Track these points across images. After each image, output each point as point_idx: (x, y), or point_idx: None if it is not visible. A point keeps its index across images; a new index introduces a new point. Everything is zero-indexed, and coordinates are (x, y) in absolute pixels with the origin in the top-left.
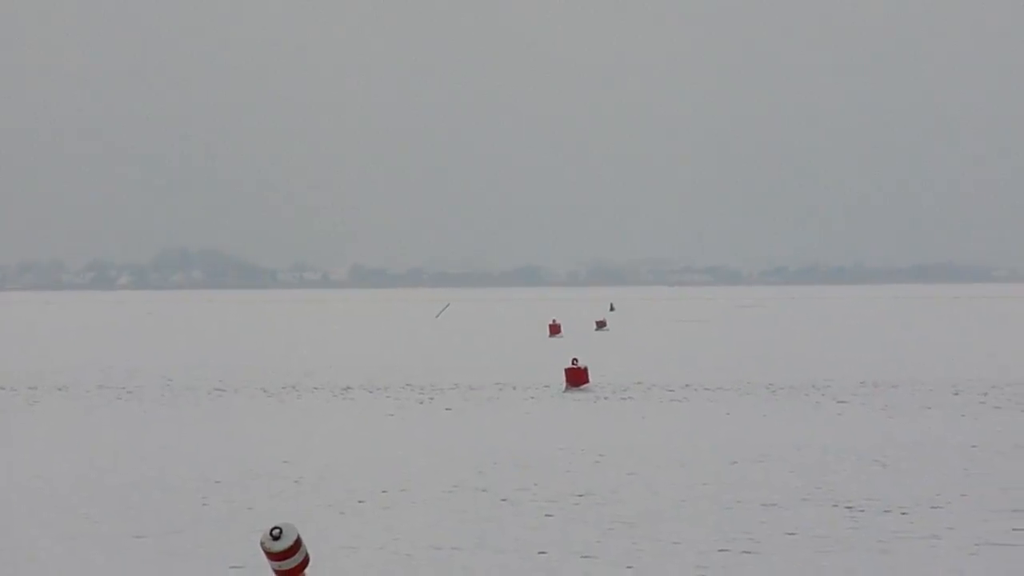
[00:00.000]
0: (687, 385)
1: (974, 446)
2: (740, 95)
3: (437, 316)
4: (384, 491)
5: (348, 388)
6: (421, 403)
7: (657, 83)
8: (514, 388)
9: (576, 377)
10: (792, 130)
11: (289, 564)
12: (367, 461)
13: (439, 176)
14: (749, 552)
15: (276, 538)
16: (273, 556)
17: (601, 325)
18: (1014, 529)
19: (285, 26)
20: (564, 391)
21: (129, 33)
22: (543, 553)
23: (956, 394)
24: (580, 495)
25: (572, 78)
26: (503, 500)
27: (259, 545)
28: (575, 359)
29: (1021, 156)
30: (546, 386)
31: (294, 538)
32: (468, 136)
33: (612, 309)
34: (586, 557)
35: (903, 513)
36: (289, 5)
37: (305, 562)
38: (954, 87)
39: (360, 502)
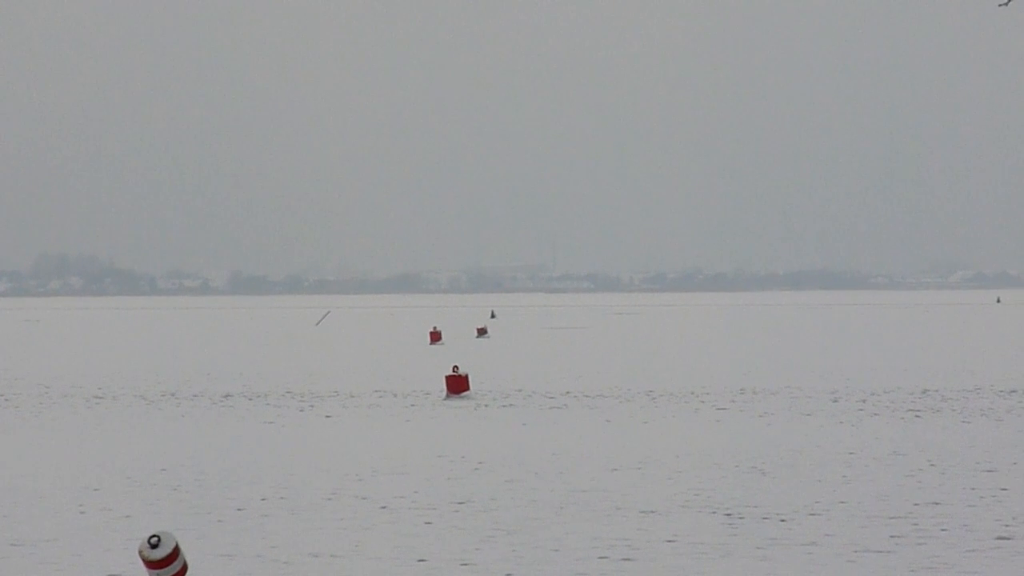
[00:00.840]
0: (567, 392)
1: (852, 453)
2: (620, 100)
3: (317, 324)
4: (263, 499)
5: (227, 396)
6: (301, 411)
7: (529, 85)
8: (394, 395)
9: (456, 384)
10: (672, 136)
11: (167, 572)
12: (246, 468)
13: (317, 183)
14: (628, 559)
15: (154, 546)
16: (151, 564)
17: (482, 332)
18: (891, 536)
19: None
20: (444, 398)
21: None
22: (422, 561)
23: (835, 401)
24: (460, 502)
25: (436, 81)
26: (382, 507)
27: (137, 553)
28: (456, 366)
29: (898, 164)
30: (426, 393)
31: (172, 546)
32: (347, 141)
33: (493, 316)
34: (465, 564)
35: (782, 520)
36: None
37: (183, 570)
38: (827, 95)
39: (239, 510)
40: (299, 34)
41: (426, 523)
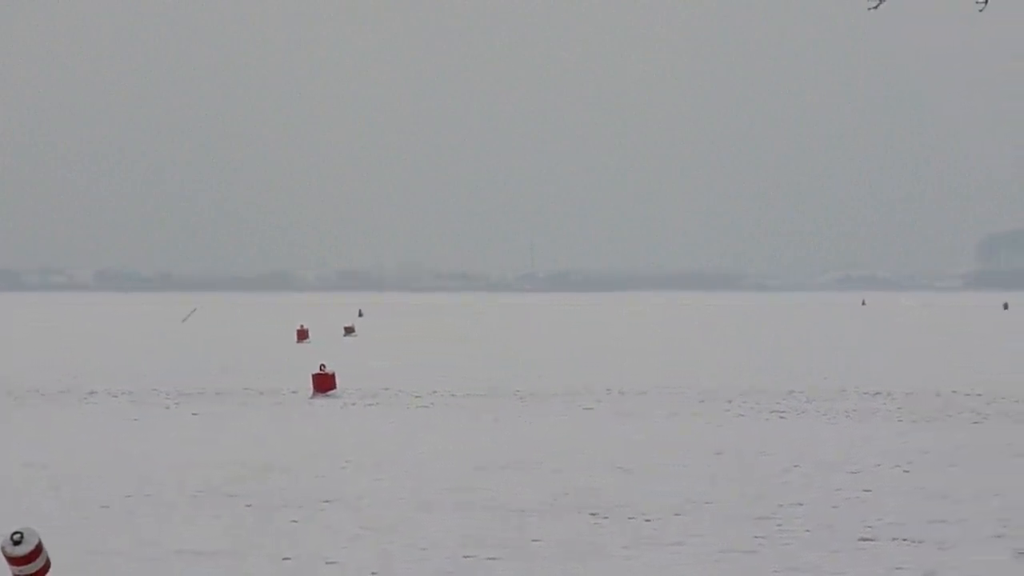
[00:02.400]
0: (435, 391)
1: (718, 453)
2: (493, 104)
3: (184, 320)
4: (128, 496)
5: (92, 392)
6: (167, 408)
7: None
8: (261, 393)
9: (323, 383)
10: (550, 136)
11: (30, 569)
12: (111, 465)
13: (187, 178)
14: (494, 558)
15: (17, 543)
16: (14, 561)
17: (349, 331)
18: (756, 537)
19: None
20: (311, 397)
21: None
22: (287, 559)
23: (702, 401)
24: (326, 501)
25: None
26: (248, 506)
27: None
28: (322, 364)
29: (768, 166)
30: (293, 391)
31: (35, 543)
32: (218, 140)
33: (361, 315)
34: (331, 563)
35: (647, 520)
36: None
37: (47, 567)
38: (701, 96)
39: (104, 507)
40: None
41: (292, 521)
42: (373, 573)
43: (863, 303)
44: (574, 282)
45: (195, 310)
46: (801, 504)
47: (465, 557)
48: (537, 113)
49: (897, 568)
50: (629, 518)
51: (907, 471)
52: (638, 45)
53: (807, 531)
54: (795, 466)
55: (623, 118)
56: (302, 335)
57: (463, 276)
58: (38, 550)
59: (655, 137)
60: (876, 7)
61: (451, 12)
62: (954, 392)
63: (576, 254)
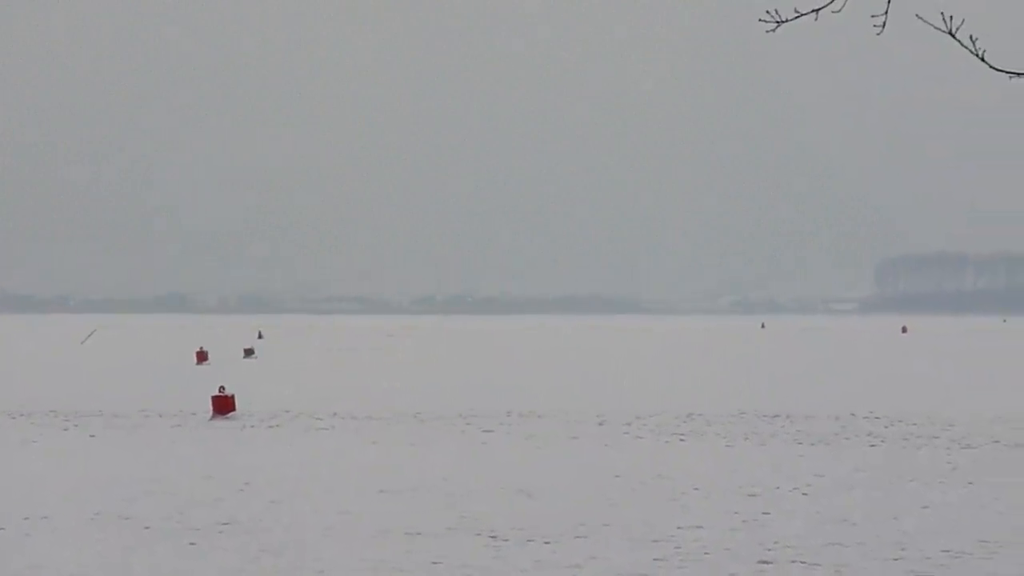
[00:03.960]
0: (334, 413)
1: (617, 476)
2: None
3: (83, 342)
4: (25, 518)
5: None
6: (65, 430)
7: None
8: (160, 415)
9: (222, 405)
10: (433, 161)
11: None
12: (6, 487)
13: (81, 198)
14: None
15: None
16: None
17: (249, 353)
18: (655, 559)
19: None
20: (210, 419)
21: None
22: None
23: (601, 424)
24: (225, 523)
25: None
26: (146, 528)
27: None
28: (222, 387)
29: (665, 188)
30: (192, 413)
31: None
32: (118, 162)
33: (260, 337)
34: None
35: (546, 543)
36: None
37: None
38: (598, 116)
39: (0, 529)
40: None
41: (190, 544)
42: None
43: (762, 326)
44: (473, 305)
45: (94, 332)
46: (700, 527)
47: None
48: (444, 137)
49: None
50: (528, 540)
51: (805, 494)
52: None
53: (706, 553)
54: (694, 488)
55: (530, 142)
56: (201, 357)
57: (362, 299)
58: None
59: (555, 162)
60: (774, 30)
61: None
62: (852, 415)
63: (468, 278)
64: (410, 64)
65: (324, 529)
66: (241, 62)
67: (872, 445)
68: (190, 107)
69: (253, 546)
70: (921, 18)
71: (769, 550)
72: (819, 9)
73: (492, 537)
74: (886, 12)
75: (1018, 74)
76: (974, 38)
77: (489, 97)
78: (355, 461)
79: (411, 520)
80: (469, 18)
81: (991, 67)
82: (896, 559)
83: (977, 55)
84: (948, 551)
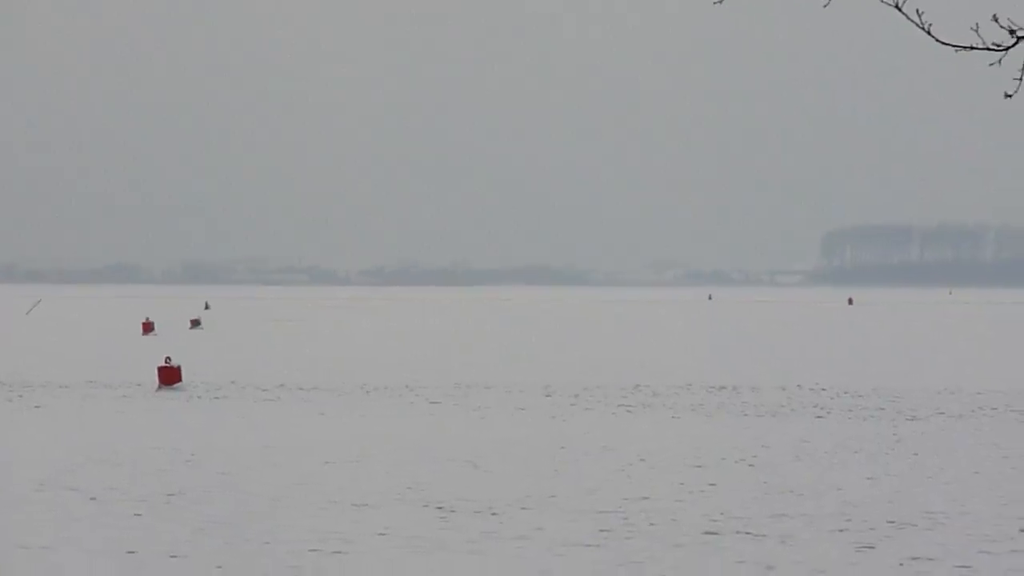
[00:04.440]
0: (281, 385)
1: (563, 447)
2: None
3: (28, 313)
4: None
5: None
6: (10, 400)
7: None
8: (106, 386)
9: (169, 376)
10: (386, 134)
11: None
12: None
13: (26, 168)
14: (340, 552)
15: None
16: None
17: (195, 324)
18: (601, 530)
19: None
20: (157, 390)
21: None
22: (132, 553)
23: (548, 396)
24: (171, 494)
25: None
26: (92, 499)
27: None
28: (168, 357)
29: (613, 160)
30: (138, 384)
31: None
32: (69, 132)
33: (207, 308)
34: (175, 557)
35: (493, 514)
36: None
37: None
38: (551, 96)
39: None
40: None
41: (136, 515)
42: (219, 567)
43: (709, 298)
44: (421, 276)
45: (39, 302)
46: (646, 498)
47: (311, 551)
48: (383, 111)
49: (740, 562)
50: (475, 512)
51: (751, 465)
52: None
53: (651, 525)
54: (640, 460)
55: (478, 116)
56: (147, 328)
57: (310, 270)
58: None
59: (503, 135)
60: (720, 1)
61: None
62: (798, 387)
63: (419, 249)
64: (354, 38)
65: (271, 500)
66: (178, 28)
67: (818, 417)
68: (136, 76)
69: (200, 517)
70: None
71: (715, 521)
72: None
73: (439, 508)
74: None
75: (964, 47)
76: (920, 12)
77: (435, 68)
78: (301, 432)
79: (358, 491)
80: None
81: (937, 40)
82: (841, 530)
83: (923, 28)
84: (893, 522)
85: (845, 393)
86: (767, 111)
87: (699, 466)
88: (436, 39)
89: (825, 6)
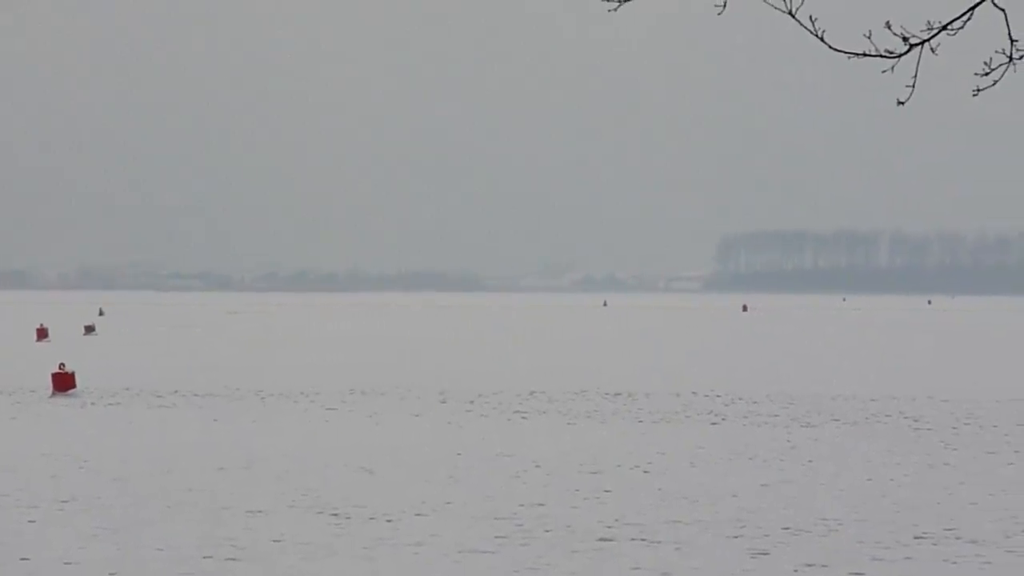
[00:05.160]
0: (175, 391)
1: (459, 453)
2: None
3: None
4: None
5: None
6: None
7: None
8: None
9: (62, 382)
10: (262, 140)
11: None
12: None
13: None
14: (234, 559)
15: None
16: None
17: (90, 330)
18: (496, 537)
19: None
20: (50, 396)
21: None
22: (25, 560)
23: (443, 402)
24: (64, 500)
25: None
26: None
27: None
28: (62, 364)
29: (508, 167)
30: (32, 391)
31: None
32: None
33: (101, 313)
34: (69, 563)
35: (388, 520)
36: None
37: None
38: (437, 96)
39: None
40: None
41: (30, 521)
42: (112, 573)
43: (604, 304)
44: (314, 282)
45: None
46: (541, 504)
47: (205, 557)
48: (287, 113)
49: (635, 568)
50: (370, 518)
51: (646, 471)
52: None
53: (547, 531)
54: (536, 466)
55: (374, 120)
56: (41, 334)
57: (205, 276)
58: None
59: (398, 139)
60: (616, 9)
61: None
62: (693, 393)
63: (313, 254)
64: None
65: (165, 507)
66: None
67: (713, 423)
68: (28, 76)
69: (93, 523)
70: None
71: (610, 527)
72: None
73: (334, 515)
74: None
75: (857, 54)
76: (814, 18)
77: (327, 72)
78: (196, 439)
79: (252, 497)
80: None
81: (830, 47)
82: (736, 536)
83: (816, 35)
84: (787, 528)
85: (740, 399)
86: (662, 116)
87: (595, 472)
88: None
89: (720, 13)
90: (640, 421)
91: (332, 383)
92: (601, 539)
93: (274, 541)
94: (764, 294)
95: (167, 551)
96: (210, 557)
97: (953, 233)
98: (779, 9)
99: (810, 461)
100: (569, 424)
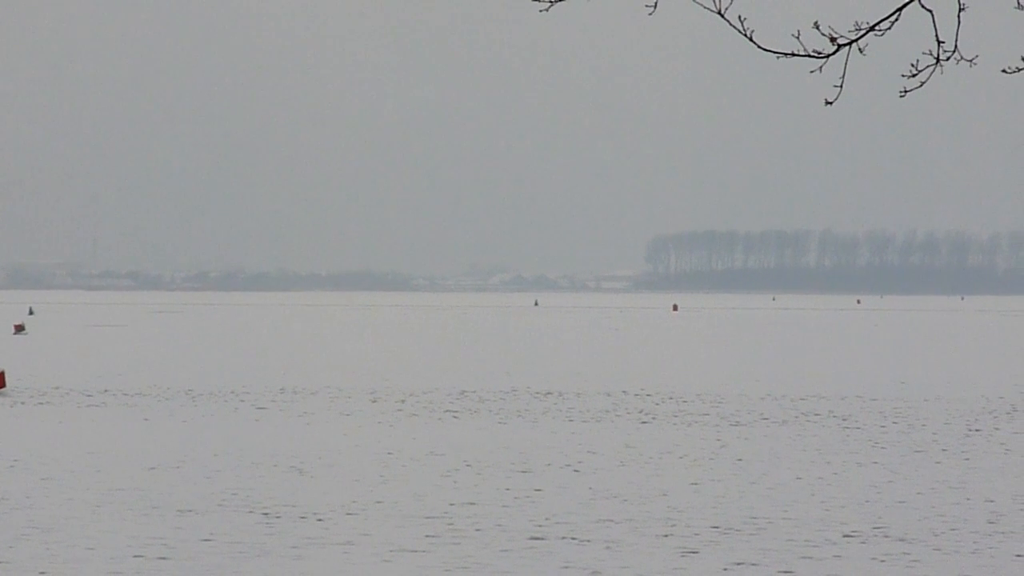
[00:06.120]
0: (106, 390)
1: (390, 453)
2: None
3: None
4: None
5: None
6: None
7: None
8: None
9: None
10: (215, 139)
11: None
12: None
13: None
14: (164, 558)
15: None
16: None
17: (19, 329)
18: (427, 536)
19: None
20: None
21: None
22: None
23: (374, 401)
24: None
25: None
26: None
27: None
28: None
29: (437, 167)
30: None
31: None
32: None
33: (31, 313)
34: None
35: (319, 520)
36: None
37: None
38: (361, 100)
39: None
40: None
41: None
42: (41, 572)
43: (535, 304)
44: (245, 281)
45: None
46: (472, 503)
47: (135, 556)
48: (217, 115)
49: (565, 567)
50: (300, 517)
51: (577, 471)
52: None
53: (478, 530)
54: (467, 465)
55: (302, 123)
56: None
57: (135, 275)
58: None
59: (330, 141)
60: (547, 10)
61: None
62: (623, 392)
63: (242, 254)
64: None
65: (94, 506)
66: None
67: (643, 422)
68: None
69: (22, 523)
70: None
71: (540, 526)
72: None
73: (264, 514)
74: None
75: (786, 54)
76: (743, 19)
77: (259, 71)
78: (125, 438)
79: (182, 497)
80: None
81: (759, 47)
82: (666, 535)
83: (745, 35)
84: (717, 527)
85: (670, 399)
86: (593, 117)
87: (525, 472)
88: None
89: (651, 14)
90: (570, 420)
91: (262, 383)
92: (532, 538)
93: (204, 540)
94: (694, 294)
95: (98, 550)
96: (141, 556)
97: (882, 233)
98: (708, 9)
99: (740, 460)
100: (500, 423)
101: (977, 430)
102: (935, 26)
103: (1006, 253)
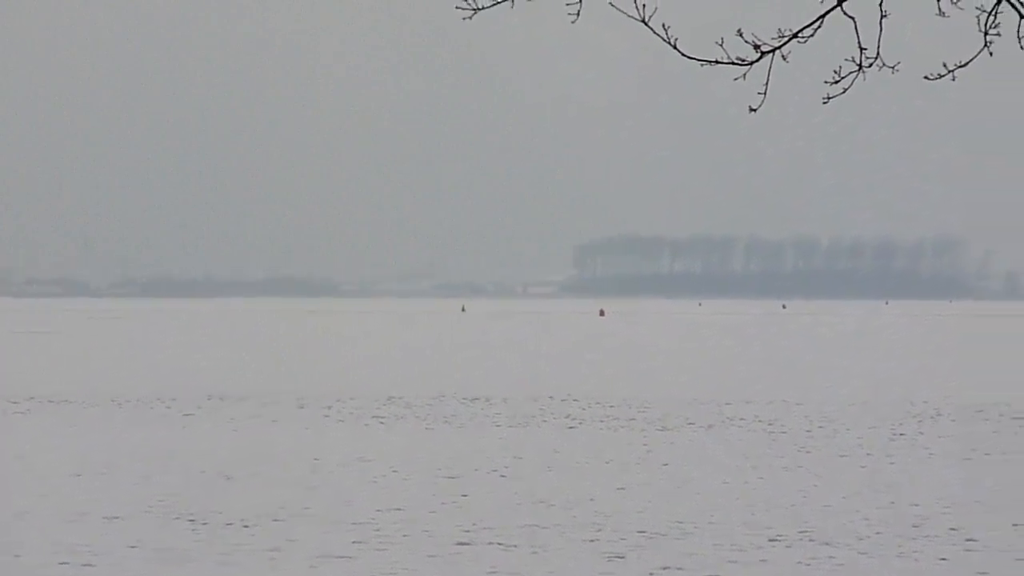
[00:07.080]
0: (31, 397)
1: (317, 459)
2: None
3: None
4: None
5: None
6: None
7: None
8: None
9: None
10: (136, 141)
11: None
12: None
13: None
14: (89, 564)
15: None
16: None
17: None
18: (354, 542)
19: None
20: None
21: None
22: None
23: (301, 407)
24: None
25: None
26: None
27: None
28: None
29: (373, 170)
30: None
31: None
32: None
33: None
34: None
35: (245, 526)
36: None
37: None
38: (296, 104)
39: None
40: None
41: None
42: None
43: (463, 309)
44: (172, 288)
45: None
46: (399, 509)
47: (60, 563)
48: (148, 118)
49: (492, 571)
50: (227, 523)
51: (503, 476)
52: None
53: (405, 536)
54: (393, 471)
55: (236, 126)
56: None
57: (61, 282)
58: None
59: (256, 144)
60: (470, 17)
61: None
62: (550, 397)
63: (171, 260)
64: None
65: (18, 513)
66: None
67: (570, 427)
68: None
69: None
70: (614, 6)
71: (467, 531)
72: None
73: (191, 520)
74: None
75: (709, 61)
76: (667, 26)
77: (190, 77)
78: (51, 444)
79: (108, 503)
80: None
81: (683, 54)
82: (592, 540)
83: (669, 42)
84: (643, 532)
85: (596, 403)
86: (520, 122)
87: (452, 477)
88: None
89: (574, 22)
90: (497, 425)
91: (189, 389)
92: (459, 543)
93: (130, 547)
94: (621, 299)
95: (23, 557)
96: (66, 563)
97: (808, 238)
98: (632, 17)
99: (666, 464)
100: (427, 429)
101: (902, 434)
102: (857, 33)
103: (930, 258)
